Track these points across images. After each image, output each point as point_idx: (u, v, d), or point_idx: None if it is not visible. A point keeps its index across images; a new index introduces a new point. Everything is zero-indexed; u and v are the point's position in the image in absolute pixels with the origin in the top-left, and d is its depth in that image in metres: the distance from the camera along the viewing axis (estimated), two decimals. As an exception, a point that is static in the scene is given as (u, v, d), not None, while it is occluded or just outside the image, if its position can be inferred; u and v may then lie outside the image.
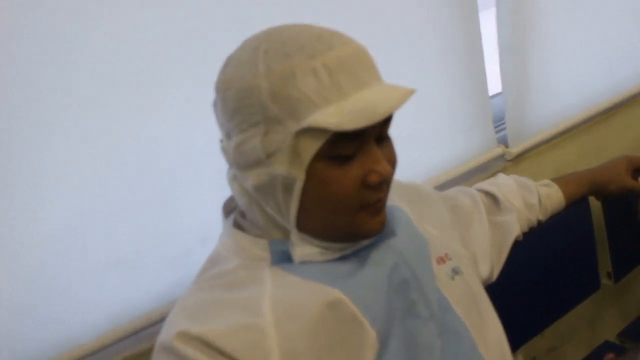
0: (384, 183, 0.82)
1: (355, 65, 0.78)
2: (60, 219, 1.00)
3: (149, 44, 1.04)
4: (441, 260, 0.94)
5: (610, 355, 0.81)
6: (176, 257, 1.12)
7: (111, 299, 1.07)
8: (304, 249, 0.82)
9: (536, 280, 1.46)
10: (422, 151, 1.47)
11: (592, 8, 1.76)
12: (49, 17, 0.94)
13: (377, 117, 0.74)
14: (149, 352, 0.87)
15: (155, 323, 1.09)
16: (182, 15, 1.06)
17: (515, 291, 1.36)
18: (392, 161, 0.84)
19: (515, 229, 1.26)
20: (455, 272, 0.95)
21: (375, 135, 0.80)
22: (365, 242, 0.86)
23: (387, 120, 0.81)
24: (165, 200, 1.10)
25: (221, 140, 0.85)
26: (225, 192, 0.90)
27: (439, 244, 0.97)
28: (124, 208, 1.06)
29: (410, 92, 0.77)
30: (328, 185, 0.78)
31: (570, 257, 1.53)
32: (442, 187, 1.42)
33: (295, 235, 0.82)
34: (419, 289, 0.86)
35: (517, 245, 1.29)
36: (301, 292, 0.79)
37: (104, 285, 1.06)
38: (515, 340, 1.27)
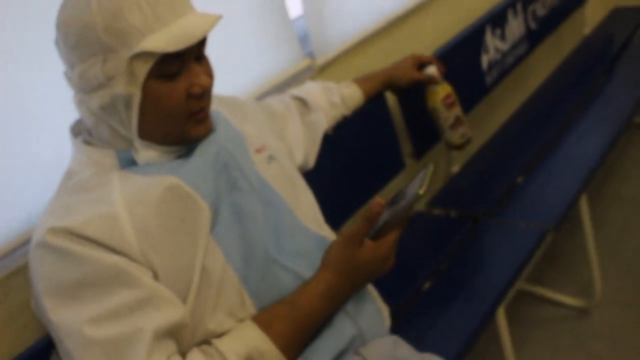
0: (205, 93, 1.03)
1: None
2: None
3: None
4: (258, 150, 1.18)
5: (378, 200, 1.00)
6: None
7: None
8: (146, 152, 1.02)
9: (349, 167, 1.71)
10: (240, 69, 1.68)
11: None
12: None
13: (193, 40, 0.95)
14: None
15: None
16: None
17: (332, 178, 1.61)
18: (210, 75, 1.05)
19: (322, 124, 1.52)
20: (271, 158, 1.19)
21: (194, 55, 1.00)
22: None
23: (202, 42, 1.02)
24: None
25: (65, 72, 1.02)
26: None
27: (256, 138, 1.20)
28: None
29: (217, 18, 0.99)
30: (160, 99, 0.98)
31: (375, 144, 1.82)
32: (261, 96, 1.65)
33: (137, 143, 1.01)
34: (238, 168, 1.09)
35: (329, 139, 1.57)
36: (145, 184, 0.98)
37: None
38: (336, 220, 1.44)
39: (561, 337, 2.04)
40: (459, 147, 1.82)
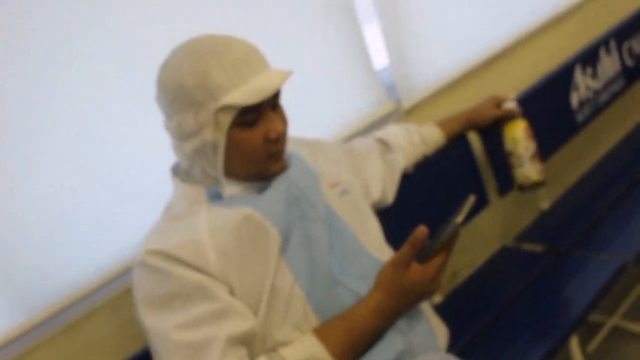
0: (279, 138, 1.20)
1: (249, 60, 1.16)
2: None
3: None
4: (332, 185, 1.34)
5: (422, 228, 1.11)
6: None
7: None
8: (230, 188, 1.20)
9: (432, 203, 1.81)
10: (329, 115, 1.87)
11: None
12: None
13: (268, 94, 1.13)
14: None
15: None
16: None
17: (412, 215, 1.73)
18: (284, 121, 1.23)
19: (401, 162, 1.66)
20: (344, 192, 1.35)
21: (270, 105, 1.19)
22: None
23: (277, 94, 1.20)
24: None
25: (164, 123, 1.23)
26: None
27: (332, 175, 1.36)
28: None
29: (288, 74, 1.17)
30: (241, 144, 1.17)
31: (459, 181, 1.93)
32: (348, 139, 1.82)
33: (223, 180, 1.20)
34: (308, 201, 1.25)
35: (411, 176, 1.70)
36: (226, 214, 1.17)
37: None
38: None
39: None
40: (534, 186, 1.80)
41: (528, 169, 1.80)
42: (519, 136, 1.80)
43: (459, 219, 1.06)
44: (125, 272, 1.46)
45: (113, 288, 1.46)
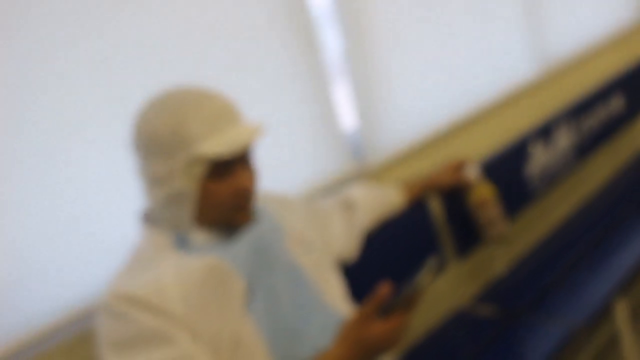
0: (248, 192, 1.23)
1: (225, 113, 1.20)
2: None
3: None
4: (297, 241, 1.37)
5: (385, 284, 1.12)
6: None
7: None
8: (198, 235, 1.22)
9: (391, 264, 1.85)
10: (299, 170, 1.91)
11: (429, 49, 2.28)
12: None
13: (243, 147, 1.16)
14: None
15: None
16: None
17: (376, 273, 1.78)
18: (254, 176, 1.26)
19: (364, 222, 1.70)
20: (308, 248, 1.38)
21: (241, 160, 1.22)
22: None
23: (249, 148, 1.24)
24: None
25: (135, 166, 1.25)
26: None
27: (296, 232, 1.39)
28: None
29: (262, 129, 1.21)
30: (210, 195, 1.19)
31: (417, 244, 1.97)
32: (311, 196, 1.86)
33: (191, 227, 1.22)
34: (273, 255, 1.28)
35: (372, 236, 1.75)
36: (193, 261, 1.18)
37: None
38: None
39: None
40: (500, 240, 1.94)
41: (494, 227, 1.94)
42: (483, 199, 1.92)
43: (423, 279, 1.10)
44: (83, 317, 1.45)
45: (69, 331, 1.44)
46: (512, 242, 2.35)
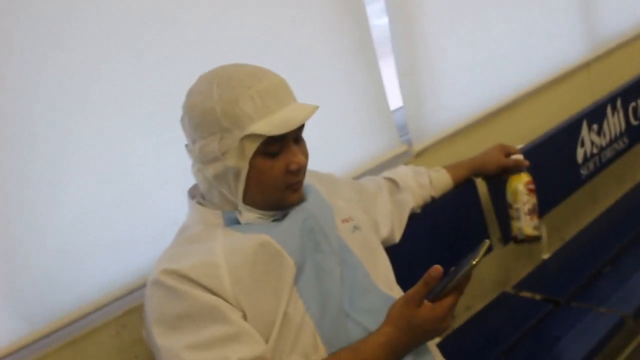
0: (300, 170, 1.23)
1: (277, 92, 1.19)
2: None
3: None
4: (345, 220, 1.36)
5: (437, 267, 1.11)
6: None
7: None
8: (247, 215, 1.22)
9: (437, 245, 1.84)
10: (341, 152, 1.90)
11: (476, 29, 2.23)
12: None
13: (293, 126, 1.16)
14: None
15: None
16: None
17: (418, 255, 1.76)
18: (305, 154, 1.26)
19: (409, 202, 1.68)
20: (356, 228, 1.37)
21: (293, 138, 1.21)
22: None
23: (300, 127, 1.23)
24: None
25: (187, 145, 1.25)
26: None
27: (344, 210, 1.38)
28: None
29: (315, 108, 1.20)
30: (263, 173, 1.19)
31: (464, 226, 1.96)
32: (359, 177, 1.84)
33: (241, 206, 1.22)
34: (323, 233, 1.27)
35: (418, 217, 1.73)
36: (243, 239, 1.18)
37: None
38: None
39: None
40: (528, 240, 1.81)
41: (524, 223, 1.81)
42: (520, 189, 1.82)
43: (475, 261, 1.08)
44: (132, 291, 1.47)
45: (118, 306, 1.46)
46: (541, 245, 2.26)
